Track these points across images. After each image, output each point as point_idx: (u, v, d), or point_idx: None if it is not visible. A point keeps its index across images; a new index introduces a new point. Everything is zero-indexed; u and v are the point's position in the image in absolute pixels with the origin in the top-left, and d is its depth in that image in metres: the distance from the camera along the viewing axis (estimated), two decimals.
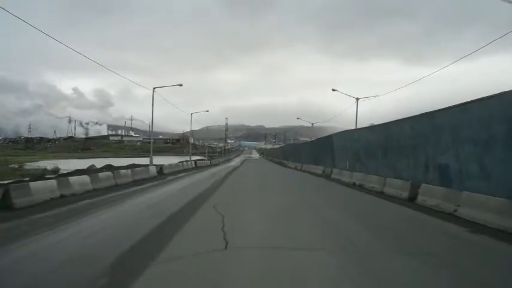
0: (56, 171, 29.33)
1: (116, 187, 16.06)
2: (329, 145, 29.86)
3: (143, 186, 17.20)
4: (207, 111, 47.90)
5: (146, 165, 26.39)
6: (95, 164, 33.80)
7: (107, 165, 36.65)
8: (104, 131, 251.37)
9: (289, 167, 45.33)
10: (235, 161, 73.11)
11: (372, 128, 21.48)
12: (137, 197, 13.07)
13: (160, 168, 26.34)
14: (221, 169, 37.23)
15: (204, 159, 55.95)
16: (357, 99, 31.93)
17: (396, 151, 17.03)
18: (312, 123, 42.27)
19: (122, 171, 19.32)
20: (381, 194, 15.02)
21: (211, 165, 49.29)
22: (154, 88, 29.61)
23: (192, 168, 36.44)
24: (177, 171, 29.40)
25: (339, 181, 22.13)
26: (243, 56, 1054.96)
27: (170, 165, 29.82)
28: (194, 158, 70.42)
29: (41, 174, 24.17)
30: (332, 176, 25.18)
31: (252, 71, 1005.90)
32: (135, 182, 18.65)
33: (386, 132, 18.36)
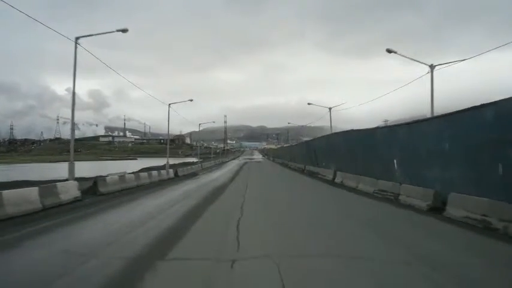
0: None
1: None
2: None
3: None
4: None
5: None
6: None
7: None
8: (101, 132, 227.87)
9: (349, 188, 17.16)
10: (230, 167, 47.00)
11: None
12: None
13: None
14: (159, 204, 11.42)
15: (162, 169, 29.66)
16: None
17: None
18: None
19: None
20: None
21: (172, 181, 23.52)
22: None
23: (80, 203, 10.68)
24: None
25: None
26: (243, 55, 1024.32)
27: None
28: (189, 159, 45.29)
29: None
30: None
31: (253, 70, 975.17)
32: None
33: None
